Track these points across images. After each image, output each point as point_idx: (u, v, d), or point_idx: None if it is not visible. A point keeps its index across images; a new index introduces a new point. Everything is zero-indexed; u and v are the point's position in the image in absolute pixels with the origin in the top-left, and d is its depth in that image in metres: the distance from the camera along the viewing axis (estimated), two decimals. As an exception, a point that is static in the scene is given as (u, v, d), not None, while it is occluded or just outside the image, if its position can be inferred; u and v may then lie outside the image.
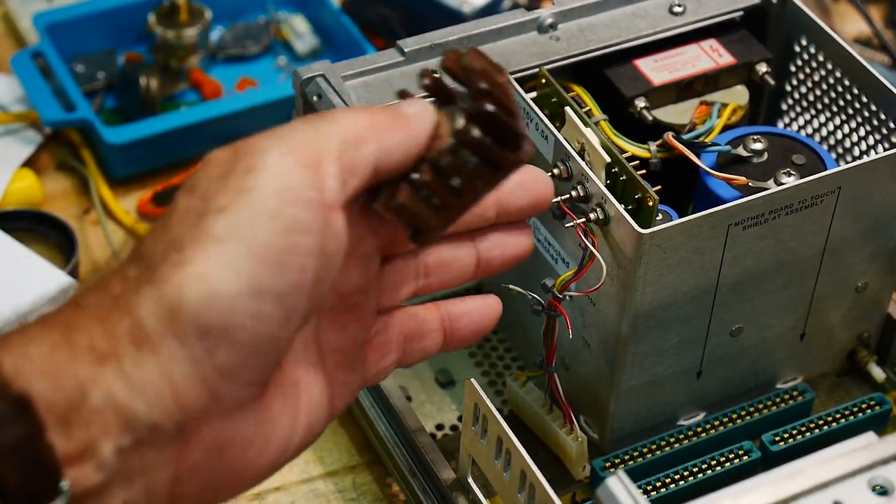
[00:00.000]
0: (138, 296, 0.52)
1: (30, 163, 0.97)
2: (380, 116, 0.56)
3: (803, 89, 0.82)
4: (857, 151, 0.79)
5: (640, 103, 0.77)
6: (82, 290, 0.54)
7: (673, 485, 0.73)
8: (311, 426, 0.59)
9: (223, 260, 0.52)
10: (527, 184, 0.64)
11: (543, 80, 0.75)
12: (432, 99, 0.58)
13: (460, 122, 0.56)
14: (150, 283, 0.52)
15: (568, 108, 0.74)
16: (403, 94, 0.59)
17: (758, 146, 0.75)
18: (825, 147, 0.81)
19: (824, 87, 0.80)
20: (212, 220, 0.53)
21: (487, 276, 0.66)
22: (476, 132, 0.56)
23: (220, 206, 0.53)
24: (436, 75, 0.58)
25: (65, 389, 0.50)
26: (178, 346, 0.52)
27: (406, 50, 0.76)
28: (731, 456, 0.74)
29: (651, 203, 0.69)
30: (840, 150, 0.80)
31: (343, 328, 0.61)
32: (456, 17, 1.00)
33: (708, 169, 0.74)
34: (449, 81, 0.57)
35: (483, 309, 0.65)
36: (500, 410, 0.72)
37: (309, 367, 0.59)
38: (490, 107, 0.56)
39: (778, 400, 0.78)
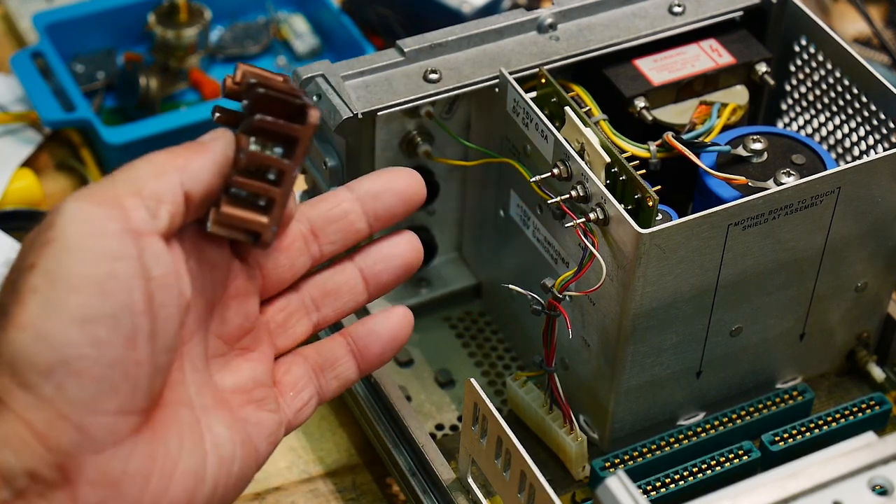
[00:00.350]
0: None
1: (29, 163, 0.97)
2: (179, 150, 0.60)
3: (803, 89, 0.82)
4: (856, 151, 0.79)
5: (640, 103, 0.77)
6: None
7: (673, 485, 0.73)
8: (224, 461, 0.60)
9: (42, 303, 0.54)
10: (390, 184, 0.65)
11: (543, 80, 0.75)
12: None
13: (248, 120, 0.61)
14: None
15: (568, 108, 0.74)
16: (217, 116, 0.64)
17: (758, 146, 0.75)
18: (825, 147, 0.81)
19: (824, 86, 0.80)
20: (25, 277, 0.54)
21: (383, 293, 0.67)
22: (262, 117, 0.60)
23: (30, 264, 0.55)
24: (222, 111, 0.64)
25: None
26: (25, 394, 0.53)
27: (406, 50, 0.76)
28: (731, 456, 0.74)
29: (651, 203, 0.69)
30: (840, 150, 0.80)
31: (238, 371, 0.63)
32: (456, 17, 1.00)
33: (708, 169, 0.74)
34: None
35: (390, 324, 0.67)
36: (499, 410, 0.72)
37: (206, 407, 0.61)
38: (261, 90, 0.61)
39: (777, 400, 0.78)
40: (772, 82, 0.80)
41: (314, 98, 0.75)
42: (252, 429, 0.62)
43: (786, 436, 0.75)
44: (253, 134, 0.61)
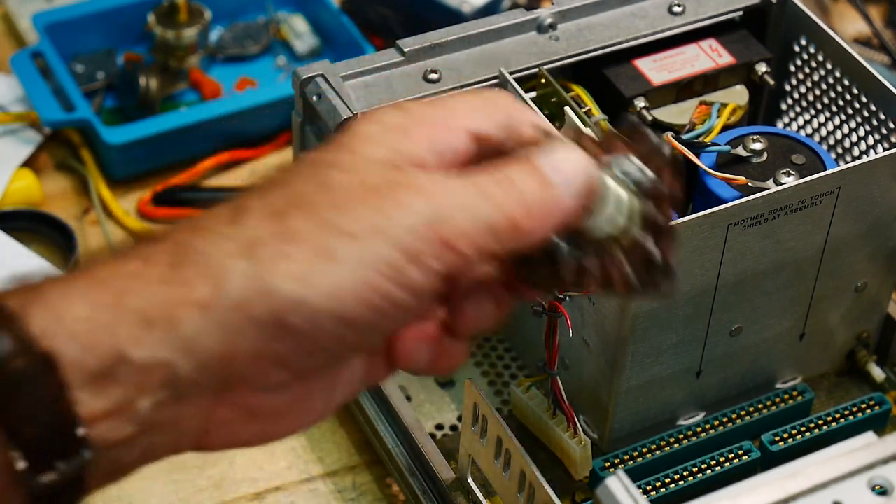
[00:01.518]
0: (230, 267, 0.51)
1: (29, 163, 0.97)
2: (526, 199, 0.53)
3: (803, 89, 0.82)
4: (856, 151, 0.79)
5: (640, 103, 0.77)
6: (151, 240, 0.52)
7: (673, 485, 0.73)
8: (346, 398, 0.59)
9: (328, 277, 0.52)
10: None
11: (543, 80, 0.75)
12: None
13: (634, 224, 0.54)
14: (244, 259, 0.52)
15: (568, 108, 0.74)
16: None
17: (757, 146, 0.75)
18: (825, 147, 0.81)
19: (824, 86, 0.80)
20: (335, 238, 0.52)
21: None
22: (649, 244, 0.54)
23: (349, 229, 0.52)
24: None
25: (97, 353, 0.50)
26: (249, 325, 0.51)
27: (406, 50, 0.76)
28: (731, 456, 0.74)
29: (651, 203, 0.69)
30: (840, 150, 0.80)
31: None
32: (456, 17, 1.00)
33: (707, 169, 0.74)
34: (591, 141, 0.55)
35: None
36: (499, 410, 0.72)
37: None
38: (665, 223, 0.53)
39: (777, 400, 0.78)
40: (772, 82, 0.80)
41: (314, 98, 0.75)
42: (372, 367, 0.60)
43: (786, 436, 0.75)
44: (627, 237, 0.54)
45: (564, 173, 0.54)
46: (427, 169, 0.54)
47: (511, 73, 0.75)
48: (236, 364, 0.52)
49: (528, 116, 0.56)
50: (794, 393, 0.78)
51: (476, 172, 0.54)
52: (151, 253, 0.52)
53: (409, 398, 0.81)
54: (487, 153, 0.55)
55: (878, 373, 0.81)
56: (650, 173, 0.54)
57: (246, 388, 0.53)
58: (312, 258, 0.52)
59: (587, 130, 0.72)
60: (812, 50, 0.80)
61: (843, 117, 0.79)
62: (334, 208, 0.53)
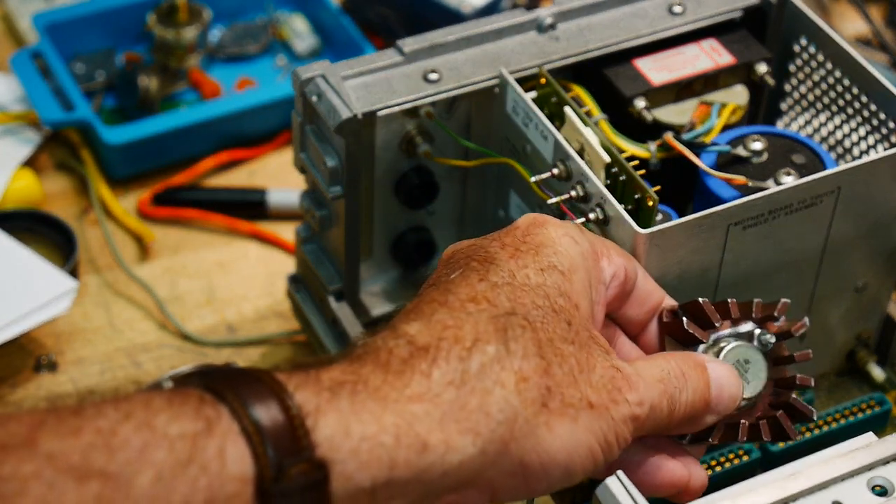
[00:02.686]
0: (504, 400, 0.55)
1: (29, 163, 0.97)
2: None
3: (803, 89, 0.82)
4: (856, 151, 0.79)
5: (640, 103, 0.77)
6: (426, 354, 0.55)
7: (673, 485, 0.73)
8: None
9: (570, 434, 0.56)
10: None
11: (543, 80, 0.75)
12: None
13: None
14: (518, 395, 0.55)
15: (568, 108, 0.74)
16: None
17: (757, 146, 0.75)
18: (825, 147, 0.81)
19: (824, 87, 0.80)
20: (581, 410, 0.56)
21: None
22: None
23: (592, 402, 0.57)
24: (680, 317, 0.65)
25: (370, 471, 0.52)
26: (505, 458, 0.55)
27: (406, 50, 0.76)
28: (731, 456, 0.74)
29: (651, 203, 0.69)
30: (840, 150, 0.80)
31: None
32: (456, 17, 1.00)
33: (708, 169, 0.74)
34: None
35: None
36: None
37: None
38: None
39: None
40: (772, 82, 0.80)
41: (314, 98, 0.75)
42: None
43: (786, 436, 0.75)
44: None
45: (724, 390, 0.63)
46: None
47: (511, 73, 0.75)
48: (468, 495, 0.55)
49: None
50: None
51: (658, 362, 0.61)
52: (428, 369, 0.54)
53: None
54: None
55: (878, 373, 0.81)
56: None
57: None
58: (563, 414, 0.56)
59: (587, 131, 0.72)
60: (812, 50, 0.80)
61: (843, 117, 0.79)
62: (581, 372, 0.57)
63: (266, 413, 0.50)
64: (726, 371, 0.63)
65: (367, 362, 0.54)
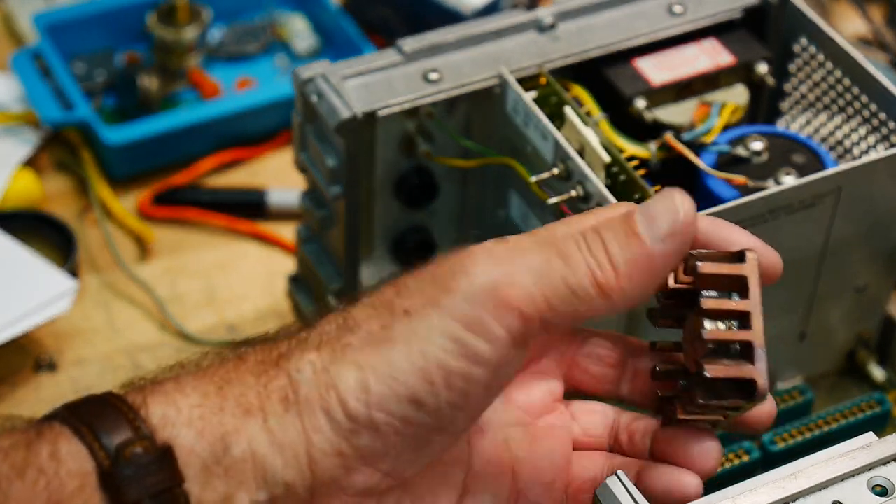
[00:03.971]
0: (301, 360, 0.53)
1: (29, 163, 0.97)
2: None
3: (803, 89, 0.82)
4: (856, 151, 0.79)
5: (640, 103, 0.77)
6: (249, 345, 0.54)
7: (673, 485, 0.73)
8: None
9: (387, 361, 0.52)
10: None
11: (543, 80, 0.75)
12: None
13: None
14: (315, 351, 0.53)
15: (568, 108, 0.74)
16: None
17: (757, 146, 0.75)
18: (825, 147, 0.81)
19: (824, 87, 0.80)
20: (391, 318, 0.53)
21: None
22: (707, 296, 0.55)
23: (407, 308, 0.53)
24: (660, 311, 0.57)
25: (208, 440, 0.51)
26: (323, 418, 0.52)
27: (406, 50, 0.76)
28: (731, 456, 0.74)
29: (651, 203, 0.69)
30: (840, 150, 0.80)
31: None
32: (456, 17, 1.00)
33: (708, 169, 0.74)
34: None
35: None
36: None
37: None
38: (699, 265, 0.54)
39: (778, 400, 0.77)
40: (772, 82, 0.80)
41: (314, 98, 0.75)
42: None
43: (786, 436, 0.76)
44: (704, 316, 0.55)
45: (655, 220, 0.53)
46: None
47: (511, 73, 0.75)
48: (322, 462, 0.52)
49: None
50: (795, 393, 0.78)
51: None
52: (244, 352, 0.54)
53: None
54: None
55: (878, 373, 0.81)
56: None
57: (342, 492, 0.53)
58: (371, 344, 0.52)
59: (587, 131, 0.72)
60: (812, 50, 0.80)
61: (844, 117, 0.79)
62: (397, 295, 0.53)
63: (94, 411, 0.52)
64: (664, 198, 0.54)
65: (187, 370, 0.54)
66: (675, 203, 0.54)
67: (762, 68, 0.80)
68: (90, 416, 0.52)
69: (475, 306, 0.52)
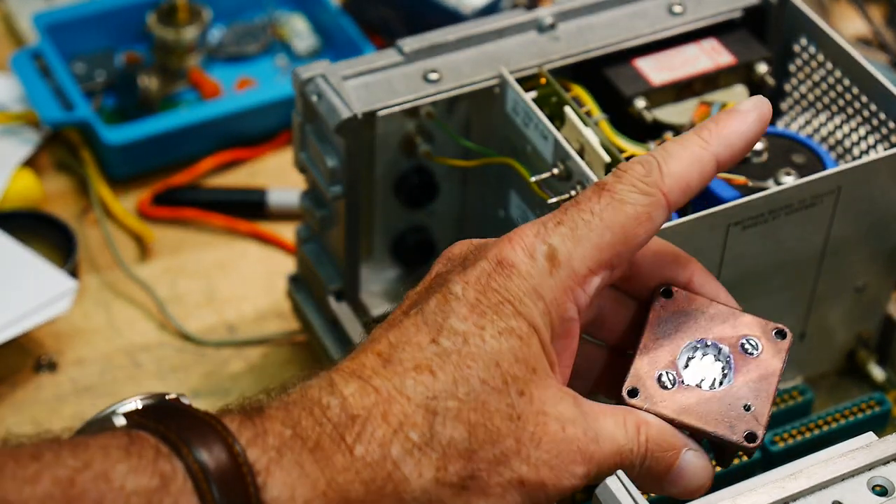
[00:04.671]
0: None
1: (29, 163, 0.97)
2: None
3: (803, 89, 0.82)
4: (856, 151, 0.79)
5: (640, 103, 0.77)
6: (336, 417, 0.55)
7: (673, 485, 0.73)
8: None
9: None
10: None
11: (543, 80, 0.75)
12: None
13: None
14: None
15: (568, 108, 0.74)
16: None
17: (758, 146, 0.75)
18: (825, 147, 0.81)
19: (824, 87, 0.80)
20: (510, 491, 0.56)
21: None
22: None
23: (523, 477, 0.56)
24: None
25: None
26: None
27: (406, 50, 0.76)
28: (731, 456, 0.74)
29: (651, 203, 0.69)
30: (840, 150, 0.80)
31: None
32: (456, 17, 1.00)
33: (708, 169, 0.74)
34: None
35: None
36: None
37: None
38: None
39: (778, 400, 0.77)
40: (772, 82, 0.80)
41: (314, 98, 0.75)
42: None
43: (786, 436, 0.75)
44: None
45: (684, 481, 0.62)
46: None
47: (511, 73, 0.75)
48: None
49: None
50: (795, 393, 0.78)
51: None
52: (356, 454, 0.55)
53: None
54: None
55: (878, 373, 0.81)
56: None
57: None
58: (487, 494, 0.57)
59: (587, 131, 0.72)
60: (812, 50, 0.80)
61: (843, 117, 0.79)
62: (518, 451, 0.57)
63: (220, 472, 0.52)
64: (698, 464, 0.61)
65: (303, 417, 0.55)
66: (702, 486, 0.62)
67: (762, 68, 0.80)
68: (215, 473, 0.52)
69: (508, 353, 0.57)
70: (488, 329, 0.57)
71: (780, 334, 0.63)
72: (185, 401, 0.57)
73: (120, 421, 0.54)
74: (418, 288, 0.60)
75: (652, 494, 0.72)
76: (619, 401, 0.60)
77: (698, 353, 0.62)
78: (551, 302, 0.58)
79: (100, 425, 0.55)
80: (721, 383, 0.61)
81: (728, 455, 0.62)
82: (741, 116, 0.61)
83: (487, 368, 0.56)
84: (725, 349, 0.62)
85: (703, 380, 0.61)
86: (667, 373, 0.61)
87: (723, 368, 0.62)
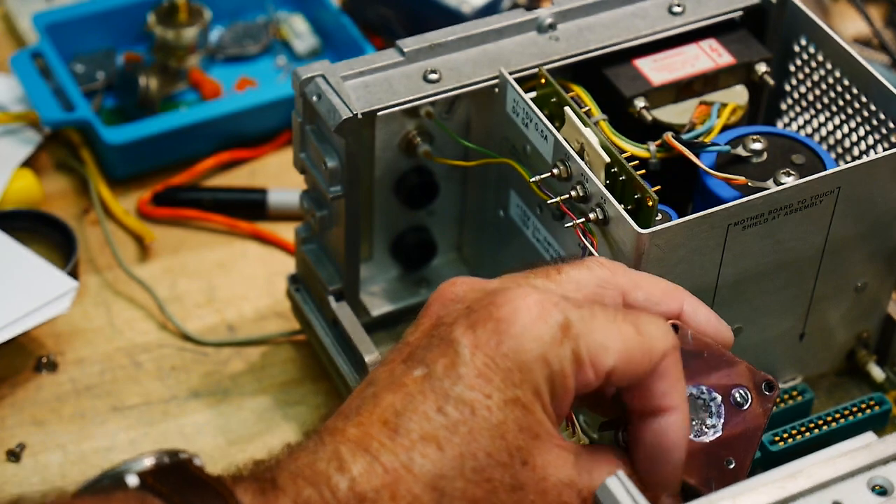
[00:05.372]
0: None
1: (29, 163, 0.97)
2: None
3: (803, 89, 0.82)
4: (856, 151, 0.79)
5: (640, 103, 0.77)
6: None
7: (673, 485, 0.73)
8: None
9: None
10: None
11: (543, 80, 0.75)
12: None
13: None
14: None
15: (567, 108, 0.74)
16: None
17: (757, 146, 0.75)
18: (825, 147, 0.81)
19: (824, 86, 0.80)
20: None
21: None
22: None
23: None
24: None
25: None
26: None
27: (406, 50, 0.76)
28: (731, 456, 0.74)
29: (650, 203, 0.69)
30: (840, 150, 0.80)
31: None
32: (456, 17, 1.00)
33: (707, 169, 0.74)
34: None
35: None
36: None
37: None
38: None
39: (777, 400, 0.77)
40: (772, 82, 0.80)
41: (314, 98, 0.75)
42: None
43: (786, 436, 0.75)
44: None
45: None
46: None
47: (511, 73, 0.75)
48: None
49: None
50: (794, 393, 0.78)
51: None
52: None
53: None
54: None
55: (878, 373, 0.81)
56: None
57: None
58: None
59: (587, 131, 0.72)
60: (812, 50, 0.80)
61: (843, 117, 0.79)
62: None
63: None
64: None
65: (312, 497, 0.54)
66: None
67: (762, 68, 0.80)
68: None
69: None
70: (495, 397, 0.56)
71: (769, 387, 0.63)
72: (197, 462, 0.56)
73: (133, 481, 0.54)
74: (417, 333, 0.60)
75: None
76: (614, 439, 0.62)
77: (692, 402, 0.62)
78: (557, 373, 0.58)
79: (113, 481, 0.55)
80: (708, 433, 0.62)
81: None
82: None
83: (493, 441, 0.56)
84: (718, 399, 0.62)
85: (693, 425, 0.62)
86: None
87: (713, 418, 0.62)
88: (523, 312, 0.57)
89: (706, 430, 0.62)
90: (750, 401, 0.62)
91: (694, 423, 0.62)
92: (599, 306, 0.59)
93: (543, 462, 0.57)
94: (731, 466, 0.61)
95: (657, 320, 0.60)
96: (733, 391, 0.62)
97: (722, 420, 0.62)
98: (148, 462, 0.55)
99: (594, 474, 0.59)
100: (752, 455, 0.62)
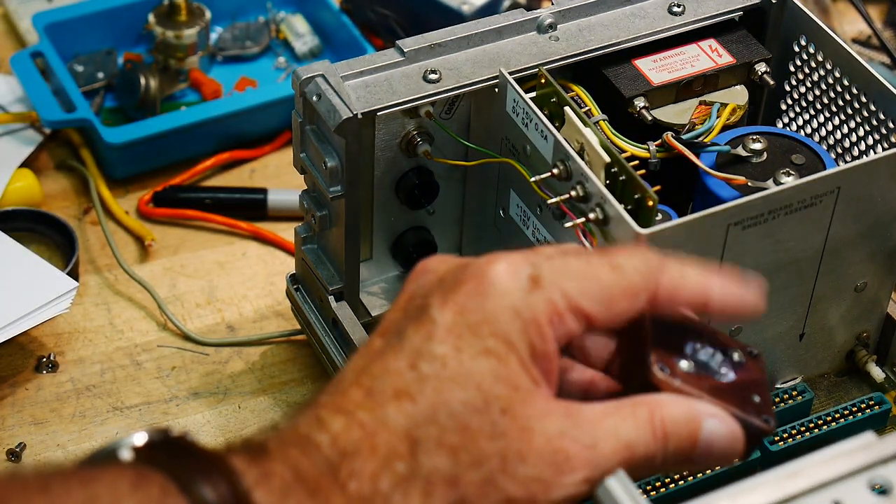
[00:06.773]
0: None
1: (29, 163, 0.97)
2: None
3: (802, 89, 0.82)
4: (856, 151, 0.79)
5: (640, 103, 0.77)
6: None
7: (672, 485, 0.73)
8: None
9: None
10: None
11: (543, 80, 0.75)
12: None
13: None
14: None
15: (567, 108, 0.74)
16: None
17: (757, 146, 0.75)
18: (825, 147, 0.81)
19: (823, 86, 0.80)
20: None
21: None
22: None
23: (510, 496, 0.56)
24: None
25: None
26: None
27: (406, 50, 0.76)
28: (731, 456, 0.74)
29: (650, 203, 0.69)
30: (839, 150, 0.80)
31: None
32: (456, 17, 1.00)
33: (707, 169, 0.74)
34: None
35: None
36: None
37: None
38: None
39: (777, 400, 0.78)
40: (771, 82, 0.80)
41: (314, 98, 0.75)
42: None
43: (785, 436, 0.76)
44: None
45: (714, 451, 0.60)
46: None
47: (511, 73, 0.75)
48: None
49: None
50: (794, 393, 0.78)
51: None
52: (349, 491, 0.55)
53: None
54: None
55: (877, 373, 0.81)
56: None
57: None
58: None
59: (587, 131, 0.72)
60: (812, 50, 0.80)
61: (843, 117, 0.79)
62: (504, 470, 0.57)
63: None
64: (723, 430, 0.59)
65: (301, 458, 0.55)
66: (734, 452, 0.61)
67: (762, 68, 0.80)
68: None
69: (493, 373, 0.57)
70: (466, 351, 0.56)
71: (755, 356, 0.62)
72: (188, 438, 0.56)
73: (127, 455, 0.54)
74: (394, 311, 0.60)
75: (657, 494, 0.72)
76: (644, 384, 0.59)
77: (701, 352, 0.61)
78: (529, 321, 0.57)
79: (106, 458, 0.55)
80: (724, 377, 0.61)
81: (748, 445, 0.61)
82: (744, 296, 0.61)
83: (467, 390, 0.56)
84: (718, 355, 0.62)
85: (712, 370, 0.61)
86: (684, 360, 0.60)
87: (724, 364, 0.61)
88: (492, 273, 0.58)
89: (720, 377, 0.61)
90: (745, 361, 0.62)
91: (711, 367, 0.61)
92: (573, 254, 0.59)
93: (525, 412, 0.56)
94: (759, 401, 0.60)
95: (635, 253, 0.59)
96: (729, 351, 0.62)
97: (731, 369, 0.61)
98: (140, 438, 0.55)
99: (599, 424, 0.57)
100: (770, 395, 0.62)
